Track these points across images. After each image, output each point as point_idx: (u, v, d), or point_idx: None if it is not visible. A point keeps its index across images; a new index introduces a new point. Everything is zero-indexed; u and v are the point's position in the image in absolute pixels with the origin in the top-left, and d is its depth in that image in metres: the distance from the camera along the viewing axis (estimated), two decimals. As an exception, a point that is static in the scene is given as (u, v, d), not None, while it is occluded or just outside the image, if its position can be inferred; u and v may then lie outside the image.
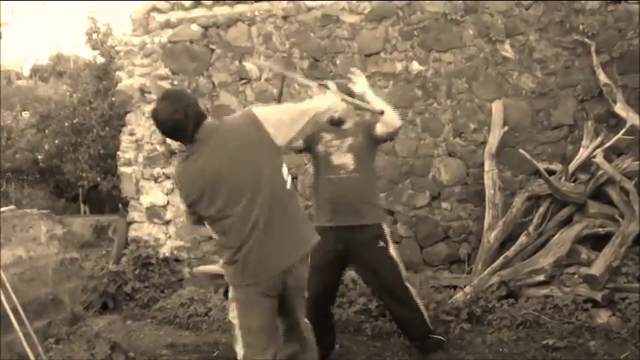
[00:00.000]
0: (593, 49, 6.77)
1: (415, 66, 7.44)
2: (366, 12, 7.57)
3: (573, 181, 6.62)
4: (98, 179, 10.33)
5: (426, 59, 7.39)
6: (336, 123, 5.14)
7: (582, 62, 6.92)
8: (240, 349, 4.00)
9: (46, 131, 11.19)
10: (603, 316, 5.84)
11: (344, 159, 5.14)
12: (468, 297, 6.36)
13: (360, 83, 4.96)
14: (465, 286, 6.52)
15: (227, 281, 4.02)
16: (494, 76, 7.19)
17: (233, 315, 4.00)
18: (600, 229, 6.38)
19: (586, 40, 6.82)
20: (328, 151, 5.18)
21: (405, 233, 7.45)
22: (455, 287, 6.70)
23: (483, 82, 7.23)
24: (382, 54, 7.55)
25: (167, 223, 8.36)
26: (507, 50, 7.17)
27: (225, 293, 4.19)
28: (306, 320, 4.29)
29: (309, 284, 4.19)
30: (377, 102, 4.90)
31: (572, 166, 6.64)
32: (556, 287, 6.31)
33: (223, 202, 3.73)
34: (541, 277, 6.33)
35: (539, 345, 5.65)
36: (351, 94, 4.74)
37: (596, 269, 6.00)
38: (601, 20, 6.85)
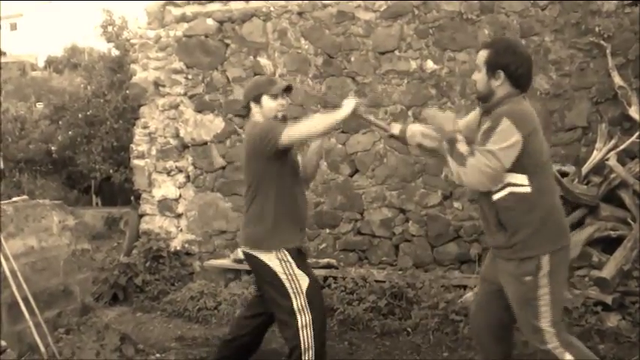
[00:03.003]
0: (608, 51, 6.74)
1: (430, 65, 7.42)
2: (381, 10, 7.57)
3: (586, 184, 6.59)
4: (111, 171, 10.38)
5: (441, 58, 7.38)
6: None
7: (597, 64, 6.89)
8: None
9: (60, 122, 11.25)
10: (613, 320, 5.82)
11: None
12: (478, 297, 6.34)
13: None
14: (475, 286, 6.51)
15: None
16: (508, 76, 7.16)
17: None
18: (612, 232, 6.35)
19: (602, 42, 6.79)
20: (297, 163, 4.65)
21: (416, 232, 7.45)
22: (465, 287, 6.68)
23: (498, 83, 7.19)
24: (397, 52, 7.53)
25: (179, 216, 8.38)
26: (523, 51, 7.14)
27: None
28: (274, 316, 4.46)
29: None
30: None
31: (585, 169, 6.61)
32: (566, 290, 6.29)
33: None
34: (552, 279, 6.31)
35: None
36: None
37: (607, 272, 5.98)
38: (617, 22, 6.81)
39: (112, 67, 11.35)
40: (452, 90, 7.33)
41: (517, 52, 3.61)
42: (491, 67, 3.57)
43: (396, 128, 4.13)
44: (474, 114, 3.89)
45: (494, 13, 7.21)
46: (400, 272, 7.14)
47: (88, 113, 10.63)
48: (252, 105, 4.47)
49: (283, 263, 4.28)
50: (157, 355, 6.12)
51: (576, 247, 6.36)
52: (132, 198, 8.77)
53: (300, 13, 7.87)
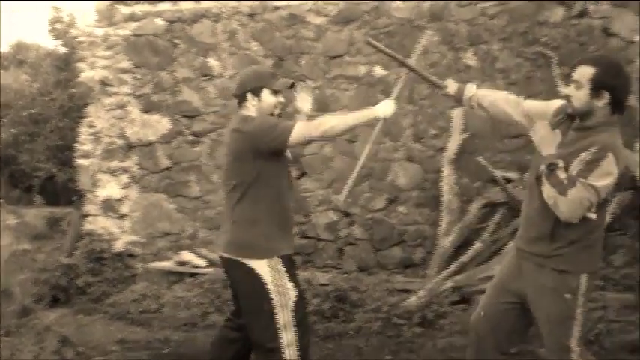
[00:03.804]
0: (554, 61, 6.85)
1: (378, 70, 7.47)
2: (332, 14, 7.59)
3: (529, 191, 6.67)
4: (55, 171, 10.19)
5: (390, 64, 7.42)
6: None
7: (544, 73, 7.00)
8: None
9: (4, 120, 11.02)
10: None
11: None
12: (421, 301, 6.39)
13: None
14: (418, 290, 6.55)
15: None
16: (456, 83, 7.24)
17: None
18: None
19: (548, 52, 6.90)
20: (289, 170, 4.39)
21: (361, 235, 7.48)
22: (408, 291, 6.72)
23: (445, 89, 7.26)
24: (346, 57, 7.57)
25: (122, 217, 8.27)
26: (470, 58, 7.23)
27: None
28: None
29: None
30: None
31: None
32: (509, 294, 6.36)
33: None
34: (494, 284, 6.39)
35: (490, 351, 5.68)
36: None
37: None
38: (564, 33, 6.94)
39: (58, 65, 11.16)
40: (400, 96, 7.35)
41: (625, 77, 3.53)
42: (597, 87, 3.42)
43: (452, 87, 4.12)
44: (549, 107, 3.79)
45: (444, 21, 7.28)
46: (344, 275, 7.15)
47: (33, 111, 10.43)
48: (249, 96, 4.10)
49: (274, 272, 3.95)
50: (98, 358, 6.06)
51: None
52: (75, 198, 8.62)
53: (250, 15, 7.84)
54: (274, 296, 3.92)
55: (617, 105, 3.47)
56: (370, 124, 4.23)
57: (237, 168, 4.00)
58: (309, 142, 4.12)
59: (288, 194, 4.13)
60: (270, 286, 3.92)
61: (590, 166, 3.36)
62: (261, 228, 3.97)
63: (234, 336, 4.33)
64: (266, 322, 3.93)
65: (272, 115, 4.12)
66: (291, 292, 3.98)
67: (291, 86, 4.28)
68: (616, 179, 3.39)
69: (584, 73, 3.45)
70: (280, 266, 3.96)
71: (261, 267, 3.93)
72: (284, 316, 3.94)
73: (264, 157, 3.92)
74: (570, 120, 3.58)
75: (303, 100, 4.61)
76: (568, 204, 3.34)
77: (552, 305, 3.56)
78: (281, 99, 4.17)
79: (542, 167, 3.45)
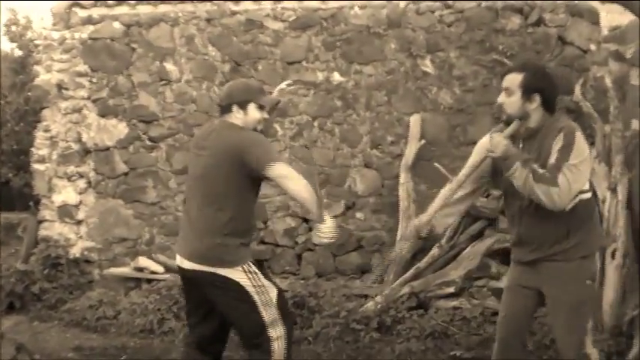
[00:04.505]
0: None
1: (336, 77, 7.50)
2: (290, 20, 7.60)
3: (486, 197, 6.75)
4: (10, 175, 10.08)
5: (348, 71, 7.46)
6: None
7: (500, 81, 7.05)
8: None
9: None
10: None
11: None
12: (379, 306, 6.43)
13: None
14: (375, 296, 6.59)
15: None
16: (413, 90, 7.31)
17: None
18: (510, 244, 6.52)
19: (505, 60, 6.98)
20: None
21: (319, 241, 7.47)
22: (366, 296, 6.76)
23: (402, 96, 7.33)
24: (304, 63, 7.59)
25: (79, 223, 8.18)
26: (427, 66, 7.30)
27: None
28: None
29: None
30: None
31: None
32: (465, 299, 6.45)
33: None
34: (451, 289, 6.47)
35: (447, 356, 5.76)
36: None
37: (505, 283, 6.12)
38: (520, 42, 7.04)
39: (14, 68, 11.08)
40: (357, 102, 7.42)
41: (551, 77, 3.70)
42: (528, 91, 3.57)
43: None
44: (481, 148, 3.80)
45: (402, 28, 7.34)
46: (302, 281, 7.17)
47: (-12, 114, 10.35)
48: (235, 109, 4.01)
49: (250, 275, 3.91)
50: (54, 364, 5.99)
51: (475, 258, 6.53)
52: (31, 203, 8.51)
53: (208, 20, 7.82)
54: (256, 297, 3.89)
55: (549, 105, 3.62)
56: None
57: (220, 177, 3.90)
58: (274, 181, 3.90)
59: (255, 202, 4.12)
60: (250, 289, 3.88)
61: (565, 150, 3.47)
62: (237, 238, 3.93)
63: (201, 357, 4.20)
64: (253, 323, 3.91)
65: (255, 129, 4.05)
66: (272, 290, 3.97)
67: (277, 104, 4.30)
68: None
69: (514, 79, 3.61)
70: (254, 268, 3.94)
71: (237, 274, 3.88)
72: (270, 314, 3.91)
73: (249, 173, 3.86)
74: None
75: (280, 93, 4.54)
76: (563, 192, 3.41)
77: (575, 292, 3.61)
78: (265, 115, 4.11)
79: (517, 167, 3.48)
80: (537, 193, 3.43)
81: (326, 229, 3.94)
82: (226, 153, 3.89)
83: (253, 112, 4.03)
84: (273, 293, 3.97)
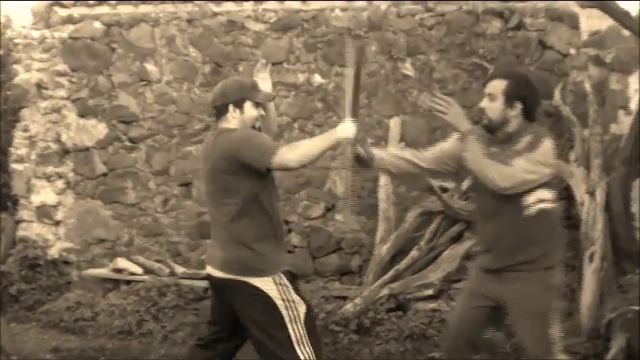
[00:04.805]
0: (490, 72, 6.97)
1: (317, 78, 7.52)
2: (271, 21, 7.60)
3: (465, 199, 6.78)
4: (-13, 175, 9.99)
5: (328, 72, 7.48)
6: None
7: (480, 85, 7.07)
8: None
9: None
10: (488, 332, 5.97)
11: None
12: (358, 308, 6.44)
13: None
14: (355, 298, 6.59)
15: None
16: (393, 93, 7.34)
17: None
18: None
19: (485, 63, 7.03)
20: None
21: (298, 243, 7.49)
22: (345, 298, 6.76)
23: (383, 99, 7.36)
24: (285, 64, 7.59)
25: (57, 223, 8.13)
26: (408, 68, 7.33)
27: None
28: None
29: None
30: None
31: (464, 185, 6.80)
32: (444, 302, 6.47)
33: None
34: (430, 292, 6.50)
35: (426, 357, 5.80)
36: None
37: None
38: (500, 45, 7.09)
39: (-8, 67, 10.98)
40: (338, 104, 7.41)
41: (534, 86, 3.74)
42: (510, 98, 3.62)
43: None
44: (453, 143, 3.98)
45: (382, 31, 7.36)
46: (282, 283, 7.14)
47: (-35, 114, 10.25)
48: (231, 108, 3.85)
49: (281, 288, 3.71)
50: (31, 366, 5.96)
51: (455, 260, 6.56)
52: (9, 203, 8.45)
53: (189, 21, 7.81)
54: (284, 312, 3.69)
55: (529, 113, 3.68)
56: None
57: (229, 184, 3.76)
58: (287, 169, 3.81)
59: (278, 207, 3.96)
60: (278, 302, 3.69)
61: (531, 145, 3.54)
62: (263, 245, 3.76)
63: (207, 355, 4.08)
64: (279, 339, 3.69)
65: (253, 127, 3.92)
66: (300, 306, 3.76)
67: (272, 99, 4.22)
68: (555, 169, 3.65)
69: (498, 86, 3.66)
70: (285, 280, 3.76)
71: (267, 284, 3.70)
72: (297, 331, 3.70)
73: (257, 174, 3.72)
74: (488, 132, 3.76)
75: (264, 80, 4.33)
76: (507, 172, 3.47)
77: (537, 302, 3.62)
78: (262, 112, 3.98)
79: (468, 140, 3.64)
80: (484, 166, 3.52)
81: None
82: (222, 160, 3.76)
83: (250, 110, 3.89)
84: (302, 310, 3.76)
